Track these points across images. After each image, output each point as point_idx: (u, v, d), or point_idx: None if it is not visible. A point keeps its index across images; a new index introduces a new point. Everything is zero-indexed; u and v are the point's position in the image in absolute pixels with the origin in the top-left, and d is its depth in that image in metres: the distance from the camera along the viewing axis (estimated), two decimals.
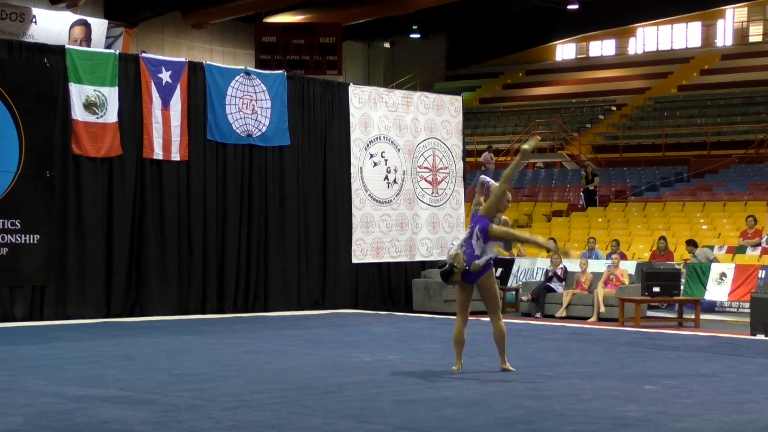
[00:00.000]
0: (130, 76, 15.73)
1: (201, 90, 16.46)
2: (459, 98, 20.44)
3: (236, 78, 16.90)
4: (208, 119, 16.48)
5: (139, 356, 10.78)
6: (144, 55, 16.25)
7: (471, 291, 9.63)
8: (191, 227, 16.33)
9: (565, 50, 41.05)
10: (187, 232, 16.28)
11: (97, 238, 15.38)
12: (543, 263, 19.75)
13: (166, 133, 15.95)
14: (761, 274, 17.61)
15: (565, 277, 18.27)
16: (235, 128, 16.79)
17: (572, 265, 18.60)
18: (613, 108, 35.36)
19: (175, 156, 16.08)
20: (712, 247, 19.85)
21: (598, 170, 27.86)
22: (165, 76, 15.99)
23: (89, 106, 15.25)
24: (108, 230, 15.52)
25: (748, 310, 15.66)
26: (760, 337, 14.32)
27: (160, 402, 7.81)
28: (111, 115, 15.43)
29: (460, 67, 41.97)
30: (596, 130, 33.87)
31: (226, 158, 16.76)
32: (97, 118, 15.31)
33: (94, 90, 15.30)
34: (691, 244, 19.32)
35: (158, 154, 15.90)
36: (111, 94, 15.44)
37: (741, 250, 19.68)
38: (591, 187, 25.75)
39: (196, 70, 16.47)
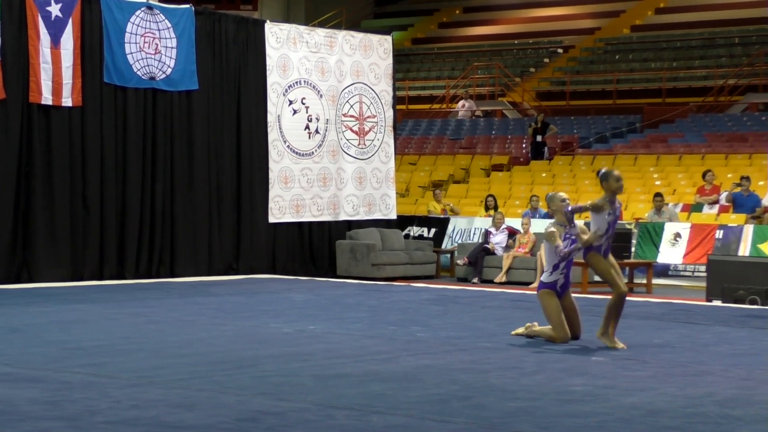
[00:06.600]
0: (13, 9, 15.43)
1: (96, 26, 16.23)
2: (389, 38, 20.40)
3: (137, 12, 16.68)
4: (104, 59, 16.27)
5: (26, 328, 10.66)
6: None
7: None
8: (86, 182, 16.14)
9: None
10: (82, 188, 16.10)
11: None
12: (481, 222, 19.91)
13: (57, 75, 15.71)
14: (719, 234, 17.94)
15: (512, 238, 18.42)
16: (135, 70, 16.59)
17: (515, 225, 18.78)
18: (560, 50, 35.56)
19: (67, 101, 15.86)
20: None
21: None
22: (54, 9, 15.72)
23: None
24: None
25: (704, 274, 15.96)
26: (717, 303, 14.61)
27: (50, 379, 7.74)
28: None
29: (390, 3, 41.77)
30: (541, 74, 34.07)
31: (126, 104, 16.57)
32: None
33: None
34: (660, 197, 19.22)
35: (47, 98, 15.67)
36: None
37: (697, 208, 19.99)
38: (539, 139, 25.83)
39: (90, 2, 16.22)
